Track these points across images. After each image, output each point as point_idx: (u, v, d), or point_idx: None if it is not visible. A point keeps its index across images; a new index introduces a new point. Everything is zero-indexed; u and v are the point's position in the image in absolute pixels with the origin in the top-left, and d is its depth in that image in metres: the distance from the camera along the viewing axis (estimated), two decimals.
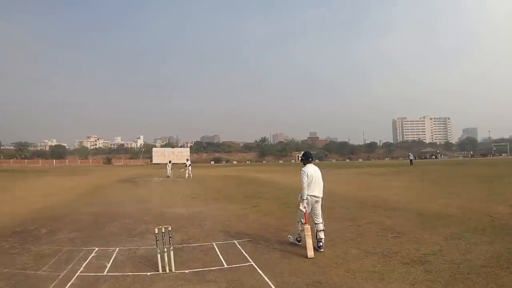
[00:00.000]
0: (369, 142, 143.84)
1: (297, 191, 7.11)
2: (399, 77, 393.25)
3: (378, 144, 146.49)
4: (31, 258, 6.51)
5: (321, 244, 6.71)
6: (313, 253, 6.31)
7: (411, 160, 53.56)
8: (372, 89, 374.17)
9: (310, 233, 6.48)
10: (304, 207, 6.67)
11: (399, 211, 10.62)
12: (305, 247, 6.42)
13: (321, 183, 7.03)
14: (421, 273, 5.17)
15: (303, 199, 6.69)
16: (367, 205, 12.09)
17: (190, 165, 32.75)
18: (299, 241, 7.09)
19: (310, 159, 7.18)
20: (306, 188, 6.74)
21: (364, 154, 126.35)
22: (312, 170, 6.95)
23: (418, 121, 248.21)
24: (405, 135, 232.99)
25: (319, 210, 6.93)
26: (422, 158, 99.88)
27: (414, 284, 4.76)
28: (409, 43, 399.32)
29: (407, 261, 5.77)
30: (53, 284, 5.12)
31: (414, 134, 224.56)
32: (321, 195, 6.96)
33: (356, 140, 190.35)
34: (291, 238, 7.34)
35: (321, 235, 6.75)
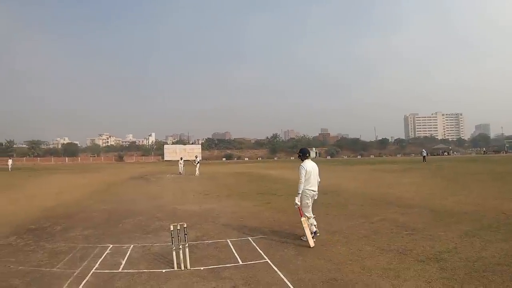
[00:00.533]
0: (380, 138, 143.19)
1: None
2: (411, 73, 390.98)
3: (390, 140, 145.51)
4: (45, 255, 6.58)
5: (316, 229, 7.23)
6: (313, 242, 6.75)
7: (424, 156, 52.86)
8: (383, 85, 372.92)
9: (307, 225, 6.90)
10: (299, 201, 6.99)
11: (413, 208, 10.56)
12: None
13: (318, 179, 7.46)
14: (436, 270, 5.15)
15: (298, 193, 6.99)
16: (380, 202, 12.03)
17: (198, 162, 32.78)
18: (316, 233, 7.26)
19: (308, 155, 7.48)
20: (303, 182, 7.04)
21: (376, 150, 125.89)
22: (310, 166, 7.23)
23: (430, 117, 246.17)
24: (417, 131, 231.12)
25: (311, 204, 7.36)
26: (434, 155, 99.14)
27: (430, 282, 4.74)
28: (420, 38, 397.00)
29: (422, 258, 5.76)
30: (69, 281, 5.15)
31: (426, 130, 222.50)
32: (317, 189, 7.36)
33: (368, 136, 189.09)
34: (304, 238, 7.28)
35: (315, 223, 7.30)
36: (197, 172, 31.35)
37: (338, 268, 5.44)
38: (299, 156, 7.51)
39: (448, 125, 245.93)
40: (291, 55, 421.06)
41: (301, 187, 7.03)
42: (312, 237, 6.92)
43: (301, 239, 7.25)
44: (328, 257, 6.04)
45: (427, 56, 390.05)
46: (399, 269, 5.25)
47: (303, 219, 6.94)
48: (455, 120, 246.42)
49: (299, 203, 7.00)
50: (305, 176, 7.06)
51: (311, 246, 6.67)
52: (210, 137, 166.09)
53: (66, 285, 5.00)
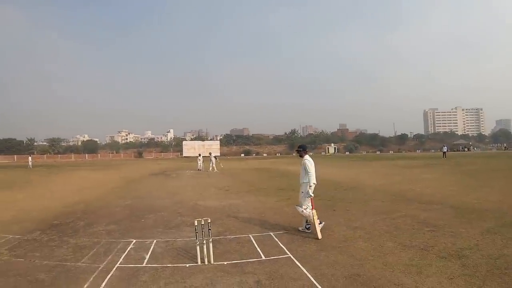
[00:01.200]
0: (399, 134, 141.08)
1: (331, 184, 7.26)
2: (432, 67, 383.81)
3: (409, 136, 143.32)
4: (70, 250, 6.70)
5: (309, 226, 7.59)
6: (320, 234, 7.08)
7: (444, 152, 51.94)
8: (403, 80, 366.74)
9: (316, 217, 7.25)
10: (312, 192, 7.35)
11: (434, 205, 10.44)
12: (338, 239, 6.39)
13: None
14: (458, 267, 5.12)
15: (310, 186, 7.33)
16: (401, 198, 11.93)
17: (215, 157, 32.98)
18: (308, 228, 7.59)
19: (307, 150, 8.14)
20: (314, 175, 7.47)
21: (395, 146, 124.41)
22: (312, 160, 7.73)
23: (450, 112, 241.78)
24: (437, 126, 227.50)
25: None
26: (454, 150, 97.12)
27: (452, 279, 4.72)
28: (442, 31, 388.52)
29: (444, 255, 5.73)
30: (93, 275, 5.25)
31: (445, 126, 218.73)
32: None
33: (387, 132, 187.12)
34: (300, 228, 7.75)
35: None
36: (212, 168, 31.56)
37: (360, 263, 5.45)
38: (299, 151, 8.02)
39: (468, 120, 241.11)
40: (311, 50, 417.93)
41: (314, 179, 7.43)
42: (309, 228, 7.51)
43: (299, 230, 7.64)
44: (350, 252, 6.05)
45: (446, 50, 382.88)
46: (421, 266, 5.24)
47: (314, 211, 7.24)
48: (476, 115, 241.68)
49: (312, 194, 7.33)
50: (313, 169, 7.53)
51: (319, 238, 6.96)
52: (229, 133, 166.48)
53: (92, 279, 5.09)
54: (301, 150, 7.96)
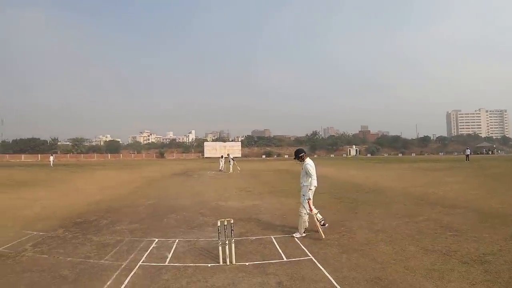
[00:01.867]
0: (422, 136, 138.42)
1: (353, 186, 7.19)
2: (454, 68, 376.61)
3: (432, 138, 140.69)
4: (93, 247, 6.83)
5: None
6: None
7: (467, 155, 50.74)
8: (425, 81, 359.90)
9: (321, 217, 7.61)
10: (312, 195, 7.42)
11: (457, 209, 10.26)
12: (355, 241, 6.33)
13: None
14: (480, 273, 5.03)
15: (310, 188, 7.37)
16: (424, 202, 11.76)
17: (233, 159, 33.14)
18: (323, 224, 7.81)
19: (306, 153, 8.05)
20: (316, 178, 7.52)
21: (417, 148, 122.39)
22: (313, 163, 7.76)
23: (473, 113, 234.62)
24: (460, 128, 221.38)
25: None
26: (478, 153, 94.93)
27: (474, 284, 4.65)
28: (464, 31, 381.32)
29: (466, 260, 5.63)
30: (116, 272, 5.34)
31: (469, 128, 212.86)
32: None
33: (409, 134, 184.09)
34: (296, 235, 7.54)
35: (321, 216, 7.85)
36: (231, 169, 31.71)
37: (382, 267, 5.40)
38: (299, 157, 7.85)
39: (492, 122, 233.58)
40: (335, 50, 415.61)
41: (315, 181, 7.49)
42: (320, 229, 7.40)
43: (293, 236, 7.43)
44: (372, 256, 6.00)
45: (470, 51, 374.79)
46: (443, 270, 5.16)
47: (315, 212, 7.47)
48: (500, 117, 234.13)
49: (311, 197, 7.39)
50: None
51: (323, 238, 7.12)
52: (250, 134, 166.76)
53: (114, 276, 5.17)
54: (303, 154, 7.88)
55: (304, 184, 7.52)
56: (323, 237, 7.10)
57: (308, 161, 7.69)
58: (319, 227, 7.29)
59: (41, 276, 5.24)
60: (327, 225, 7.95)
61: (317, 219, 7.48)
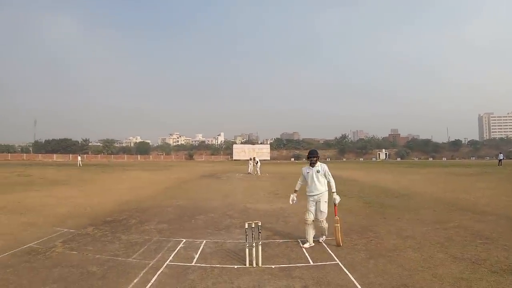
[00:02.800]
0: (453, 139, 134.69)
1: (382, 190, 7.05)
2: (486, 68, 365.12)
3: (463, 142, 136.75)
4: (122, 246, 7.00)
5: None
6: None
7: (500, 160, 49.09)
8: (456, 82, 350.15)
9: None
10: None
11: (488, 216, 9.94)
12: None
13: None
14: (510, 283, 4.88)
15: (334, 191, 7.16)
16: (454, 208, 11.44)
17: (258, 162, 33.07)
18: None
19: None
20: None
21: (448, 152, 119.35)
22: None
23: (506, 116, 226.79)
24: (492, 132, 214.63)
25: None
26: (511, 158, 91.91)
27: None
28: (496, 29, 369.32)
29: (496, 269, 5.45)
30: (144, 271, 5.44)
31: (501, 131, 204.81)
32: None
33: (440, 137, 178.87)
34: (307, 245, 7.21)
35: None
36: (256, 172, 31.90)
37: (409, 274, 5.30)
38: (315, 158, 7.36)
39: None
40: (361, 53, 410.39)
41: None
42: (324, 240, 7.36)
43: (302, 247, 7.03)
44: (400, 262, 5.90)
45: (503, 52, 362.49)
46: (472, 279, 5.01)
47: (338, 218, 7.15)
48: None
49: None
50: None
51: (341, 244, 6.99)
52: (279, 137, 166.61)
53: (142, 274, 5.28)
54: (318, 157, 7.41)
55: (324, 190, 7.20)
56: (341, 244, 6.97)
57: (324, 163, 7.37)
58: (338, 233, 7.04)
59: (70, 272, 5.40)
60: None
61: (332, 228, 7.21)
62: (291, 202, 7.45)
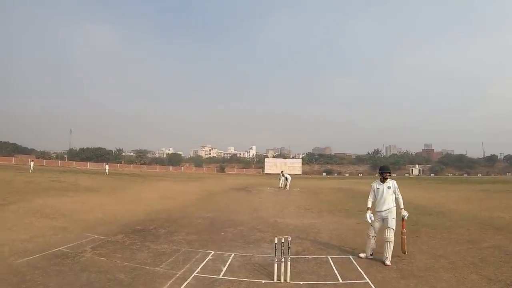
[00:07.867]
0: (489, 155, 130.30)
1: (415, 207, 6.91)
2: None
3: (499, 157, 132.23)
4: (150, 255, 7.09)
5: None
6: None
7: None
8: (491, 94, 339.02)
9: None
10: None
11: None
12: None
13: None
14: None
15: (402, 208, 7.15)
16: (489, 227, 10.97)
17: (286, 178, 32.91)
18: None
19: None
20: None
21: (483, 168, 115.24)
22: None
23: None
24: None
25: None
26: None
27: None
28: None
29: None
30: (171, 281, 5.48)
31: None
32: None
33: (475, 152, 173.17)
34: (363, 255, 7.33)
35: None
36: (287, 186, 31.59)
37: None
38: (387, 174, 7.35)
39: None
40: (395, 65, 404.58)
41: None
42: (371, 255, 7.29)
43: (359, 256, 7.25)
44: (431, 283, 5.72)
45: None
46: None
47: (404, 230, 7.17)
48: None
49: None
50: None
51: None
52: (311, 151, 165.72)
53: (168, 284, 5.32)
54: (390, 173, 7.42)
55: (392, 206, 7.15)
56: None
57: (393, 180, 7.38)
58: (405, 243, 7.11)
59: (98, 277, 5.51)
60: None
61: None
62: (369, 220, 7.15)
